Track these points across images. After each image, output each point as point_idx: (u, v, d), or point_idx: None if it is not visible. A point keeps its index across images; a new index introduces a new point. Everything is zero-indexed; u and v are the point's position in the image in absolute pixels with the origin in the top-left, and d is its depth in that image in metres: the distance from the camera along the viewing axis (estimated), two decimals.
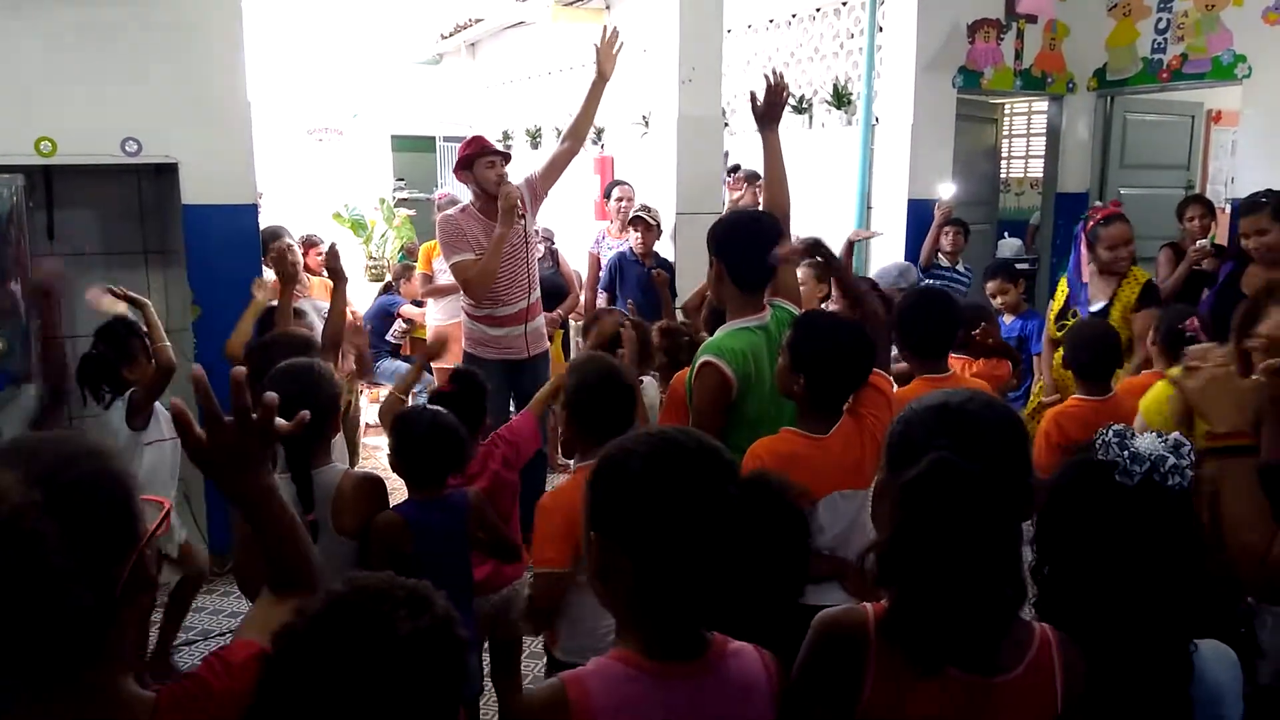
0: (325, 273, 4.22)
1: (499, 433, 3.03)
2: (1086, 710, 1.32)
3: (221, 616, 3.98)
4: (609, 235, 5.98)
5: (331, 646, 1.02)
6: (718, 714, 1.24)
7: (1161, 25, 5.98)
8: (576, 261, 6.18)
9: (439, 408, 2.59)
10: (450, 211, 4.37)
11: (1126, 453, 1.32)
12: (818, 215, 6.04)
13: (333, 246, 3.64)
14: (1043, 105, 7.42)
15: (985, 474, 1.21)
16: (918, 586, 1.22)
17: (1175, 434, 1.35)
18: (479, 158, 4.20)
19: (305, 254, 5.49)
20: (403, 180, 11.01)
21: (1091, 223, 4.04)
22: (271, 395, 1.22)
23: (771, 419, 2.47)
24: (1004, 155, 8.01)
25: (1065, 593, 1.39)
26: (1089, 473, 1.38)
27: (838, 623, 1.37)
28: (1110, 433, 1.36)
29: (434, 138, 11.28)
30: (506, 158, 4.29)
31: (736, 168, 6.15)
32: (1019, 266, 5.53)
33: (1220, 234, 5.60)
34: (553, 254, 5.79)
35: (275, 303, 3.66)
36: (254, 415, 1.21)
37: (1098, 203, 5.12)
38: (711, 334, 2.98)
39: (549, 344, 4.71)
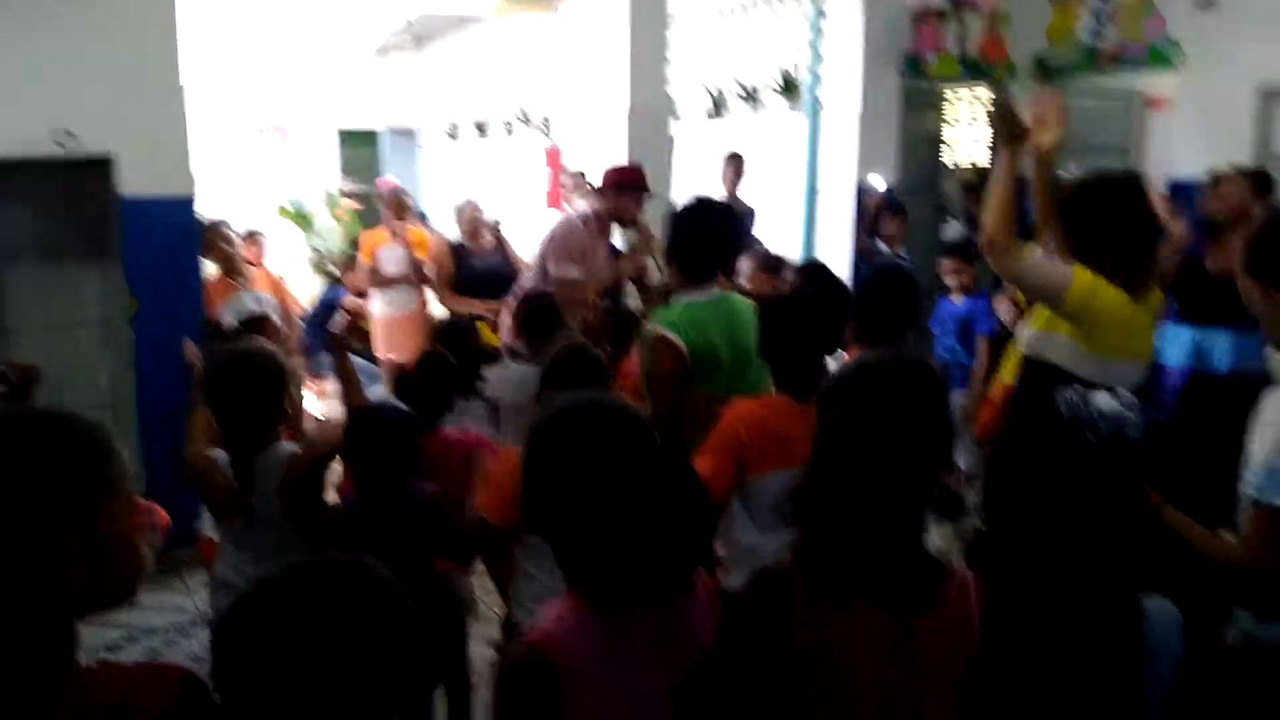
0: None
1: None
2: (1021, 655, 1.38)
3: (163, 612, 3.89)
4: None
5: (277, 617, 1.01)
6: (682, 638, 1.33)
7: (1100, 12, 6.08)
8: (527, 254, 6.13)
9: (399, 405, 2.53)
10: (575, 217, 4.33)
11: (1094, 410, 1.36)
12: (768, 201, 6.07)
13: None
14: (987, 91, 7.51)
15: (893, 420, 1.33)
16: (828, 518, 1.33)
17: (1124, 392, 1.39)
18: (638, 192, 4.16)
19: (246, 246, 5.39)
20: (349, 174, 10.85)
21: None
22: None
23: (727, 385, 2.55)
24: (948, 142, 8.07)
25: (1016, 547, 1.43)
26: (1056, 432, 1.40)
27: (766, 569, 1.45)
28: (1073, 392, 1.39)
29: (378, 131, 11.15)
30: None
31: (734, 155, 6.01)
32: None
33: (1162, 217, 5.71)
34: (500, 244, 5.72)
35: None
36: None
37: None
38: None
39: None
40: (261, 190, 9.56)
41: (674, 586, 1.29)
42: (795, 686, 1.40)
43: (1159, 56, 5.77)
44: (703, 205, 2.83)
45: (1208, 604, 1.62)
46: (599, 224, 4.23)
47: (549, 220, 6.21)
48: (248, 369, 2.28)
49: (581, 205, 5.42)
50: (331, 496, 2.55)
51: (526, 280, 4.46)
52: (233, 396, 2.29)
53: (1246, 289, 1.68)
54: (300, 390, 5.08)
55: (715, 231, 2.70)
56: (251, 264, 5.42)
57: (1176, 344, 4.13)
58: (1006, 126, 2.44)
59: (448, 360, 2.94)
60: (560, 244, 4.18)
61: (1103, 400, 1.37)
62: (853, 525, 1.31)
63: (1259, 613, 1.53)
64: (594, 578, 1.28)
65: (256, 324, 3.30)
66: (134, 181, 4.09)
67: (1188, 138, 5.70)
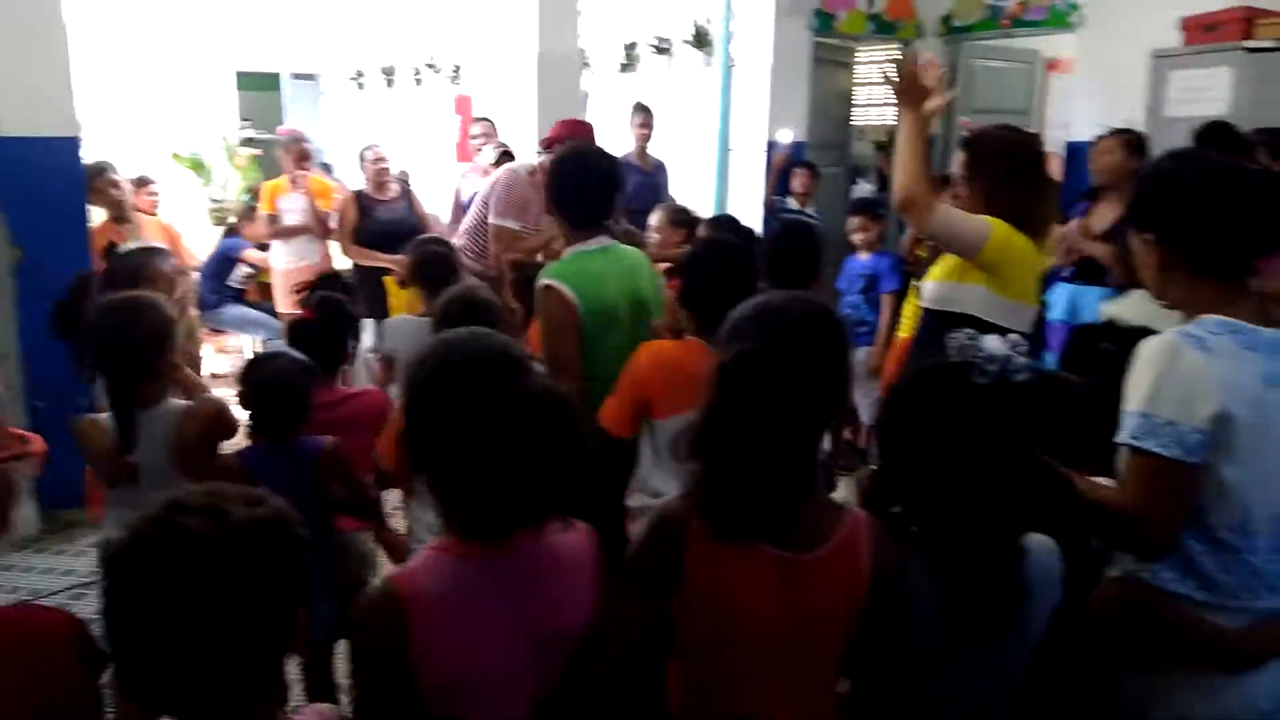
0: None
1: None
2: (909, 592, 1.43)
3: (55, 575, 3.75)
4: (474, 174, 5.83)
5: (167, 539, 0.98)
6: (547, 583, 1.34)
7: None
8: (435, 206, 6.00)
9: (291, 352, 2.47)
10: (521, 171, 4.29)
11: (981, 354, 1.40)
12: (680, 156, 6.05)
13: None
14: (895, 52, 7.60)
15: (788, 361, 1.34)
16: (723, 459, 1.35)
17: (1013, 335, 1.44)
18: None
19: (137, 193, 5.16)
20: (248, 120, 10.42)
21: None
22: None
23: (621, 335, 2.53)
24: (857, 101, 8.17)
25: (907, 487, 1.48)
26: (945, 374, 1.44)
27: (663, 509, 1.47)
28: (963, 335, 1.43)
29: (279, 75, 10.74)
30: None
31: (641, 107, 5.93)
32: None
33: (1056, 177, 5.88)
34: (407, 195, 5.59)
35: None
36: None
37: None
38: None
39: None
40: (153, 134, 9.12)
41: (544, 512, 1.30)
42: (688, 625, 1.43)
43: (1059, 17, 5.92)
44: (581, 153, 2.79)
45: (1089, 545, 1.69)
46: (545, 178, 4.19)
47: (457, 172, 6.09)
48: (128, 321, 2.18)
49: (490, 155, 5.32)
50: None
51: (467, 227, 4.40)
52: (113, 349, 2.19)
53: (1131, 242, 1.74)
54: (198, 344, 4.93)
55: (596, 179, 2.67)
56: (145, 213, 5.20)
57: (1059, 301, 4.29)
58: (908, 87, 2.48)
59: (345, 307, 2.86)
60: (502, 194, 4.16)
61: (991, 342, 1.42)
62: (746, 463, 1.33)
63: (1138, 554, 1.60)
64: (467, 511, 1.30)
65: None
66: (13, 120, 3.86)
67: (1085, 100, 5.86)
